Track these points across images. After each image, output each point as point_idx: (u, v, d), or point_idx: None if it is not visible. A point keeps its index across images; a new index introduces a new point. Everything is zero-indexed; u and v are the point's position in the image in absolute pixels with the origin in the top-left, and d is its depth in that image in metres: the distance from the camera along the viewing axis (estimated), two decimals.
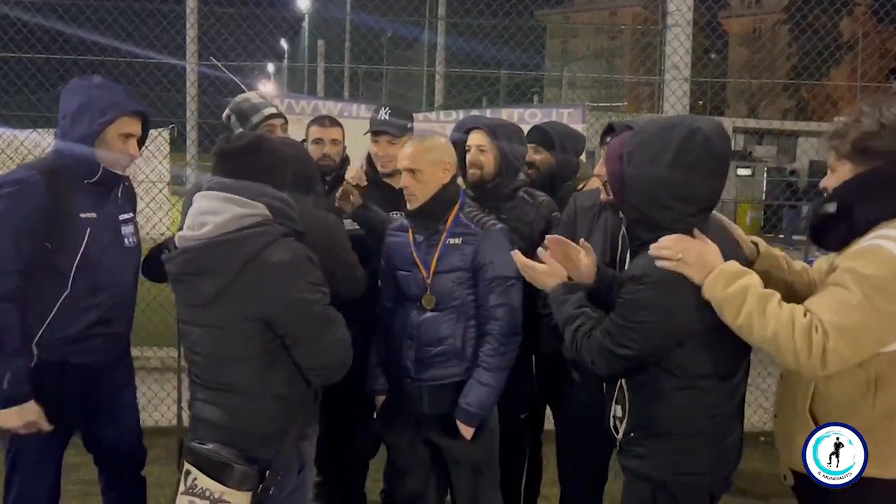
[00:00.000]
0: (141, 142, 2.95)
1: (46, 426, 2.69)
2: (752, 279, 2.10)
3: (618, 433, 2.38)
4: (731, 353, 2.25)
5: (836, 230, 2.16)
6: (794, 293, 2.33)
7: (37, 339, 2.70)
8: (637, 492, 2.38)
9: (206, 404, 2.45)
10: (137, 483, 3.17)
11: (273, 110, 3.54)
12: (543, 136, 3.69)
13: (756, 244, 2.49)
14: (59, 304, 2.71)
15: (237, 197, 2.36)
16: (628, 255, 2.50)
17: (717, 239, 2.22)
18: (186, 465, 2.39)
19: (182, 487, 2.39)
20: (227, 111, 3.53)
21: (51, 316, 2.71)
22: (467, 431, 2.90)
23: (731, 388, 2.30)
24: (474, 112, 5.44)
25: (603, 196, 2.66)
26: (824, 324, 1.97)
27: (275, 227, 2.36)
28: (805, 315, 2.00)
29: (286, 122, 3.71)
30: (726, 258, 2.16)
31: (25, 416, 2.66)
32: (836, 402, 2.17)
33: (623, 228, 2.52)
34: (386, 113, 3.60)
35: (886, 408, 2.11)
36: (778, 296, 2.08)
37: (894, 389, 2.10)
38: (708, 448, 2.29)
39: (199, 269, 2.36)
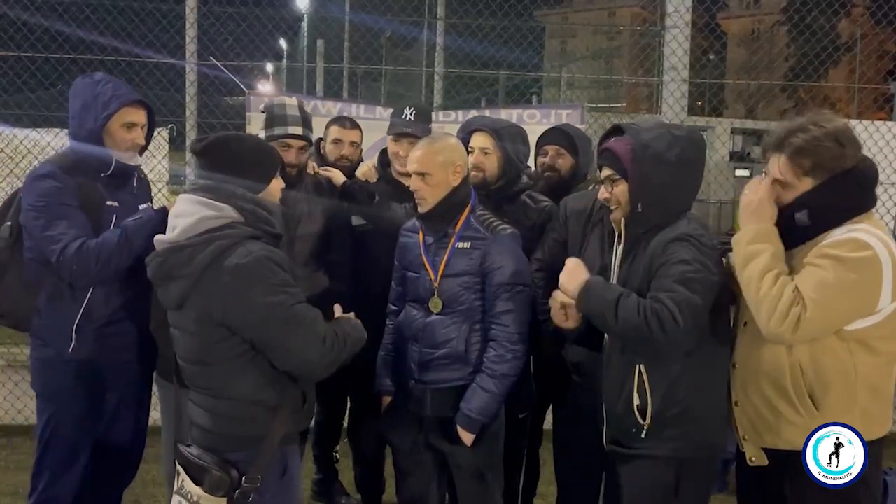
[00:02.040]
0: (150, 133, 3.06)
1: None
2: (772, 247, 2.37)
3: (644, 419, 2.51)
4: (727, 325, 2.59)
5: (800, 233, 2.41)
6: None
7: (75, 325, 2.84)
8: (659, 476, 2.54)
9: (194, 406, 2.46)
10: (119, 488, 3.18)
11: (297, 131, 3.37)
12: (567, 139, 3.60)
13: None
14: (91, 290, 2.84)
15: (206, 199, 2.35)
16: (621, 247, 2.63)
17: None
18: (178, 466, 2.44)
19: (175, 486, 2.45)
20: (265, 104, 3.49)
21: (84, 303, 2.84)
22: (467, 438, 2.88)
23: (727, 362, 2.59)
24: (473, 112, 5.45)
25: (604, 194, 2.64)
26: (805, 298, 2.27)
27: (239, 230, 2.33)
28: (793, 291, 2.30)
29: (310, 145, 3.57)
30: None
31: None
32: (829, 378, 2.37)
33: (623, 219, 2.60)
34: (411, 114, 3.53)
35: (865, 374, 2.37)
36: (781, 269, 2.35)
37: (869, 359, 2.37)
38: (721, 420, 2.58)
39: (166, 274, 2.36)
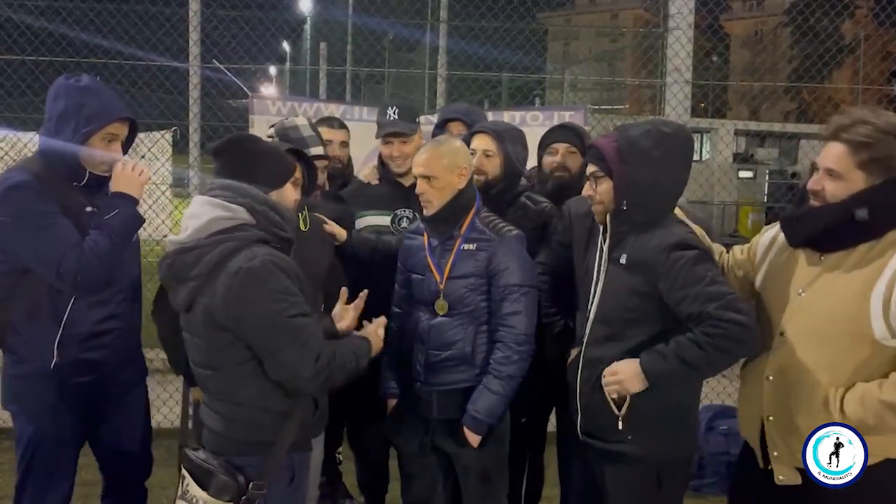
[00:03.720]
0: (129, 143, 2.93)
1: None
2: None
3: (619, 409, 2.51)
4: None
5: (852, 235, 2.28)
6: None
7: (57, 339, 2.72)
8: (639, 476, 2.53)
9: (207, 410, 2.46)
10: (137, 492, 3.13)
11: (320, 150, 3.27)
12: (576, 136, 3.51)
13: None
14: (71, 302, 2.73)
15: (217, 201, 2.35)
16: (607, 241, 2.62)
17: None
18: (183, 470, 2.42)
19: (179, 491, 2.43)
20: (271, 130, 3.31)
21: (66, 314, 2.73)
22: (474, 439, 2.88)
23: None
24: None
25: (587, 191, 2.64)
26: None
27: (248, 233, 2.32)
28: None
29: (329, 162, 3.52)
30: None
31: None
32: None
33: (608, 218, 2.59)
34: (395, 113, 3.52)
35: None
36: (873, 385, 2.22)
37: None
38: (694, 423, 2.64)
39: (175, 276, 2.35)
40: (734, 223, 16.54)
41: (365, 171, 3.77)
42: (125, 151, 2.92)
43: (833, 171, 2.29)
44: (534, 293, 2.91)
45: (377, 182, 3.66)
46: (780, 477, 2.40)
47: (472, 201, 2.98)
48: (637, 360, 2.46)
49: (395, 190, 3.58)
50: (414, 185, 3.51)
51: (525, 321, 2.86)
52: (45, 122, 2.78)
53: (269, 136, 3.33)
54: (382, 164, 3.64)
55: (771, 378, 2.42)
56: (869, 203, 2.24)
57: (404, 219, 3.53)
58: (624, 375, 2.48)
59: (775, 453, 2.41)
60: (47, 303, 2.71)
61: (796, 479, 2.38)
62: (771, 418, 2.42)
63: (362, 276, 3.41)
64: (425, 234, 3.02)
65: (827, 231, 2.31)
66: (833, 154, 2.29)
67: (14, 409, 2.83)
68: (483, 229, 2.94)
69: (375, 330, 2.60)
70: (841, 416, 2.26)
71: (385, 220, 3.57)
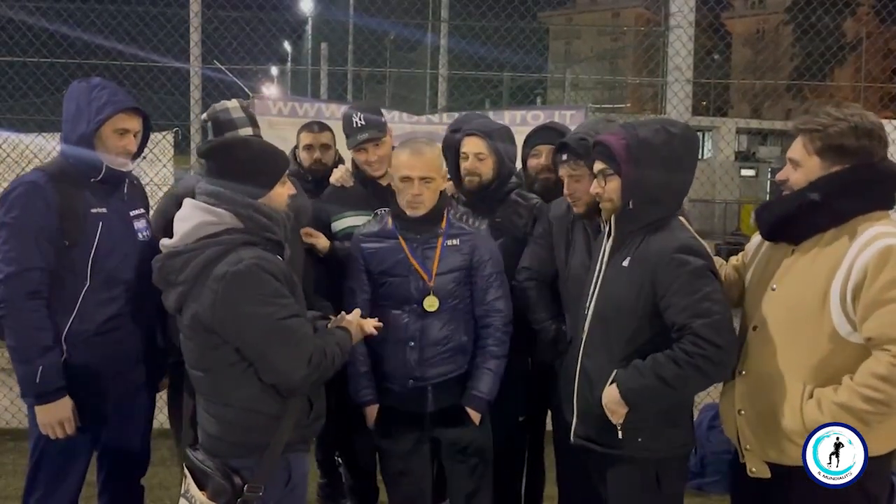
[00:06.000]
0: (144, 141, 3.00)
1: (72, 428, 2.77)
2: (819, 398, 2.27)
3: (619, 428, 2.50)
4: None
5: (810, 221, 2.32)
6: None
7: (64, 334, 2.77)
8: (638, 476, 2.55)
9: (201, 411, 2.47)
10: (135, 490, 3.16)
11: (249, 132, 3.27)
12: (561, 139, 3.32)
13: None
14: (81, 298, 2.78)
15: (205, 205, 2.35)
16: (609, 243, 2.63)
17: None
18: (185, 469, 2.44)
19: (182, 489, 2.45)
20: (205, 115, 3.37)
21: (75, 310, 2.78)
22: (477, 417, 2.99)
23: None
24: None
25: (596, 188, 2.61)
26: (890, 341, 2.15)
27: (235, 237, 2.31)
28: (873, 355, 2.19)
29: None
30: None
31: (59, 412, 2.73)
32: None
33: (612, 217, 2.59)
34: (361, 119, 3.43)
35: None
36: (828, 389, 2.25)
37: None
38: (689, 420, 2.65)
39: (164, 279, 2.37)
40: (736, 221, 16.55)
41: (336, 174, 3.71)
42: (140, 149, 3.00)
43: (793, 160, 2.37)
44: (505, 275, 3.07)
45: (351, 184, 3.62)
46: (753, 469, 2.45)
47: (446, 199, 3.09)
48: (614, 385, 2.46)
49: (373, 190, 3.53)
50: (391, 185, 3.52)
51: (508, 303, 3.05)
52: (63, 125, 2.88)
53: (204, 121, 3.37)
54: (356, 166, 3.59)
55: (743, 373, 2.47)
56: (821, 189, 2.29)
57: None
58: (611, 407, 2.48)
59: (747, 447, 2.45)
60: (59, 300, 2.76)
61: (766, 473, 2.42)
62: (742, 412, 2.46)
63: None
64: (401, 238, 3.00)
65: (786, 219, 2.37)
66: (794, 145, 2.37)
67: (30, 402, 2.87)
68: (461, 225, 3.03)
69: (353, 321, 2.58)
70: (803, 424, 2.28)
71: (364, 220, 3.47)
